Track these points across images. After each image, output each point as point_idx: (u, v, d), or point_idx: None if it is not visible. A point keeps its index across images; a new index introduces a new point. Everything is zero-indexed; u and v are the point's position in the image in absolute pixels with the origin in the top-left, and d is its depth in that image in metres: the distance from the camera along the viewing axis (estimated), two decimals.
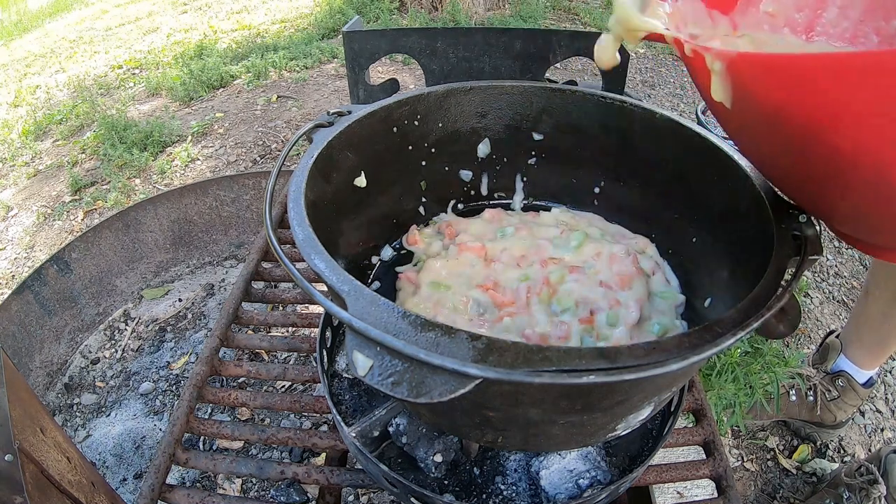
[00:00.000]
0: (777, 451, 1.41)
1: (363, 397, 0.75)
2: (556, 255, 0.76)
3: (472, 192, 0.90)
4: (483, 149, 0.87)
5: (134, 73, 3.52)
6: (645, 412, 0.56)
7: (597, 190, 0.87)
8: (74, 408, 1.43)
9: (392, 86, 1.11)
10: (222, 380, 1.46)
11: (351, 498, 1.21)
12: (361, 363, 0.39)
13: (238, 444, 1.31)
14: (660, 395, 0.54)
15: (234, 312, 0.96)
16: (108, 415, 1.41)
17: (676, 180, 0.75)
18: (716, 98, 0.45)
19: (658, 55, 3.74)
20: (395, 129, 0.77)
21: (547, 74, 1.11)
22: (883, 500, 1.19)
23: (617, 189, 0.85)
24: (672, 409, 0.70)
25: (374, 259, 0.82)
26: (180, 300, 1.71)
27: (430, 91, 0.78)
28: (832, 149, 0.40)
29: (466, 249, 0.77)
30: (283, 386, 1.43)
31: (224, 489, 1.23)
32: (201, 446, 1.31)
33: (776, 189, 0.58)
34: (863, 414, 1.49)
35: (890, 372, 1.62)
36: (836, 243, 2.11)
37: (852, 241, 0.56)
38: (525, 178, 0.91)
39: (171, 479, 1.01)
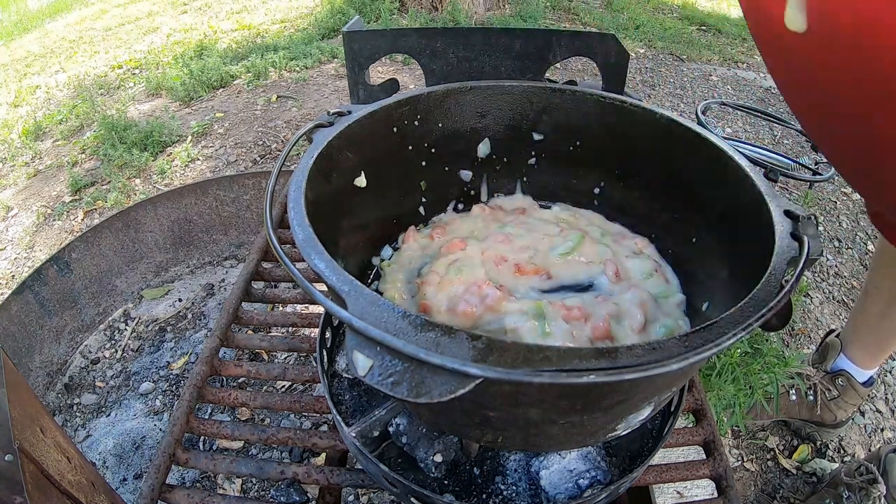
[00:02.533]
0: (777, 451, 1.41)
1: (363, 397, 0.75)
2: (553, 255, 0.76)
3: (472, 193, 0.90)
4: (483, 149, 0.87)
5: (134, 73, 3.52)
6: (645, 412, 0.56)
7: (597, 190, 0.87)
8: (74, 408, 1.43)
9: (392, 86, 1.11)
10: (222, 380, 1.46)
11: (351, 498, 1.21)
12: (361, 363, 0.39)
13: (238, 444, 1.31)
14: (660, 395, 0.54)
15: (234, 312, 0.96)
16: (108, 415, 1.41)
17: (676, 180, 0.75)
18: (791, 25, 0.39)
19: (658, 55, 3.74)
20: (395, 129, 0.77)
21: (547, 74, 1.11)
22: (882, 499, 1.19)
23: (617, 189, 0.85)
24: (672, 409, 0.70)
25: (375, 259, 0.82)
26: (180, 300, 1.71)
27: (430, 91, 0.78)
28: None
29: (451, 248, 0.77)
30: (283, 386, 1.43)
31: (224, 489, 1.23)
32: (201, 446, 1.31)
33: (827, 157, 0.53)
34: (863, 414, 1.49)
35: (890, 372, 1.62)
36: (836, 243, 2.11)
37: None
38: (525, 179, 0.91)
39: (171, 479, 1.01)
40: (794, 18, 0.40)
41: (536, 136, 0.86)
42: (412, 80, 3.05)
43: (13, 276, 1.94)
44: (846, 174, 0.53)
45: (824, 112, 0.51)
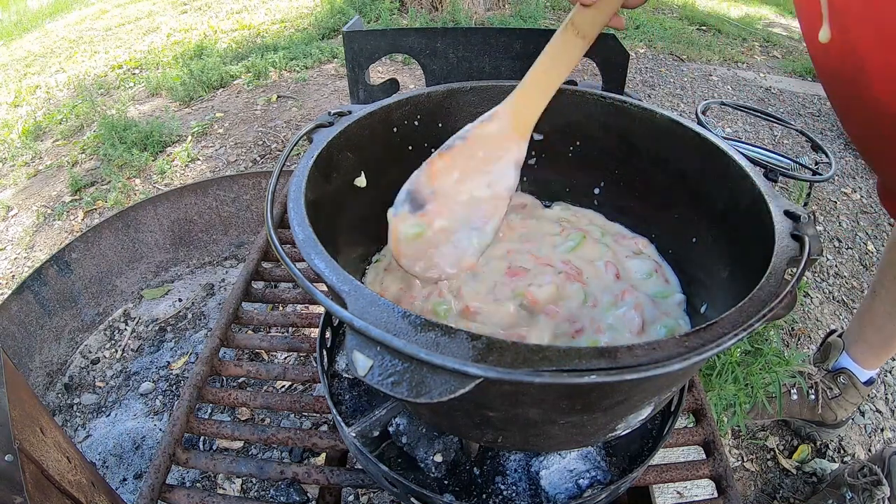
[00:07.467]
0: (777, 451, 1.41)
1: (363, 397, 0.75)
2: (552, 255, 0.76)
3: None
4: None
5: (134, 73, 3.52)
6: (645, 412, 0.56)
7: (597, 191, 0.87)
8: (74, 408, 1.43)
9: (392, 86, 1.11)
10: (222, 380, 1.46)
11: (351, 498, 1.21)
12: (361, 363, 0.39)
13: (238, 444, 1.31)
14: (660, 395, 0.54)
15: (234, 312, 0.96)
16: (108, 415, 1.41)
17: (676, 180, 0.75)
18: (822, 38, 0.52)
19: (658, 55, 3.75)
20: (395, 129, 0.77)
21: None
22: (886, 501, 1.19)
23: (617, 189, 0.85)
24: (672, 409, 0.70)
25: (375, 259, 0.82)
26: (180, 300, 1.71)
27: (430, 91, 0.78)
28: None
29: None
30: (283, 386, 1.43)
31: (224, 489, 1.23)
32: (201, 446, 1.31)
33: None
34: (863, 414, 1.49)
35: (890, 372, 1.62)
36: (836, 243, 2.11)
37: None
38: (525, 178, 0.91)
39: (171, 479, 1.01)
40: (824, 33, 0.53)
41: (536, 137, 0.86)
42: (412, 80, 3.05)
43: (13, 276, 1.94)
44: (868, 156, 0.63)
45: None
